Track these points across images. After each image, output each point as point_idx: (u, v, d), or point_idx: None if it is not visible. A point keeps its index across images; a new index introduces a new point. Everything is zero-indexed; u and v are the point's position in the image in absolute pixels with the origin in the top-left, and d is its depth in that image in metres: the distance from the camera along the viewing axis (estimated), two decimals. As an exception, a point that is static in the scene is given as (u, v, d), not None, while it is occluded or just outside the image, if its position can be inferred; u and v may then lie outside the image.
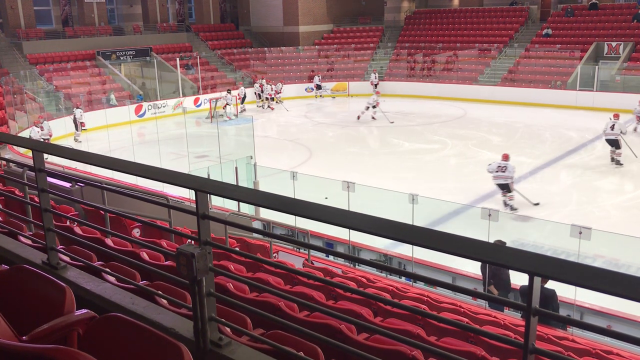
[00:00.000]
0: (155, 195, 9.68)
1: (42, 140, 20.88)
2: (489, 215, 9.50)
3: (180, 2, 39.33)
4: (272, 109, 29.21)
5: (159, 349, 2.10)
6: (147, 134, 24.22)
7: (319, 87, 32.39)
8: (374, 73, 32.25)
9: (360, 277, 7.25)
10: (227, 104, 27.22)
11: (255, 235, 9.42)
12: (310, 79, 33.16)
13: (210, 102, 27.63)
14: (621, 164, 17.22)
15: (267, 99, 29.57)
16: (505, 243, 7.59)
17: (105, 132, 21.82)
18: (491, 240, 7.42)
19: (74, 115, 23.10)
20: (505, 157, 13.94)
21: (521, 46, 31.97)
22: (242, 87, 30.02)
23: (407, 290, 7.19)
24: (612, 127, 17.31)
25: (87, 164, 3.58)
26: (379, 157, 19.67)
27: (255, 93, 30.32)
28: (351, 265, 9.69)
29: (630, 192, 15.58)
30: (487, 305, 7.89)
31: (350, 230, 4.90)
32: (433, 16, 37.43)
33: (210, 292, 2.62)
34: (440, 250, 2.02)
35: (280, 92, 30.13)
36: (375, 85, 31.34)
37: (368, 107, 25.04)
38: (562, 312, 8.20)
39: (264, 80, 30.48)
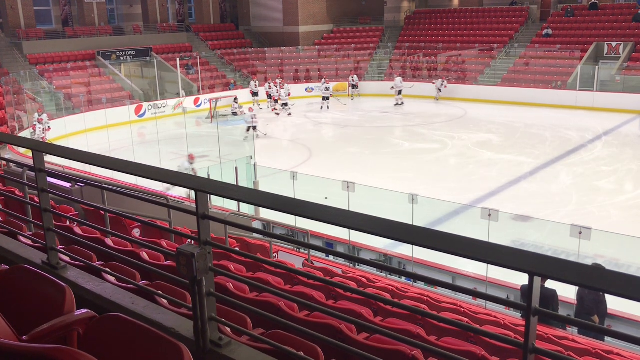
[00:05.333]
0: (155, 195, 9.68)
1: (42, 129, 20.99)
2: (489, 215, 9.50)
3: (180, 2, 39.33)
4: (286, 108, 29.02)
5: (159, 348, 2.10)
6: (147, 134, 24.22)
7: (269, 96, 30.11)
8: (398, 76, 30.86)
9: (360, 277, 7.24)
10: (235, 114, 26.93)
11: (255, 235, 9.42)
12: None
13: (210, 102, 27.62)
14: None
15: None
16: (603, 267, 7.18)
17: (105, 132, 21.82)
18: (491, 240, 7.39)
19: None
20: (250, 109, 24.02)
21: (521, 46, 31.97)
22: (284, 85, 29.33)
23: (407, 290, 7.19)
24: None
25: (87, 164, 3.58)
26: (379, 157, 19.67)
27: (266, 93, 30.17)
28: (351, 265, 9.69)
29: (630, 192, 15.59)
30: (578, 332, 7.23)
31: (350, 230, 4.90)
32: (433, 16, 37.43)
33: (210, 292, 2.62)
34: (440, 250, 2.02)
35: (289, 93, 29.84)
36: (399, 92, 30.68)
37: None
38: (562, 312, 8.19)
39: (279, 80, 30.10)
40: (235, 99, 28.04)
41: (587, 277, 1.78)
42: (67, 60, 29.69)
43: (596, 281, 1.77)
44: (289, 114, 27.83)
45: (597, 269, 1.96)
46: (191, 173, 14.45)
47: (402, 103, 29.29)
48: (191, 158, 15.88)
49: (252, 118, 22.96)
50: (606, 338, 7.04)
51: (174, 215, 7.77)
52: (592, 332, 7.04)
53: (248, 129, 22.77)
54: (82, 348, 2.22)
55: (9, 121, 21.86)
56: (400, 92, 29.22)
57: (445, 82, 30.30)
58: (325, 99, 29.30)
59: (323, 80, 30.39)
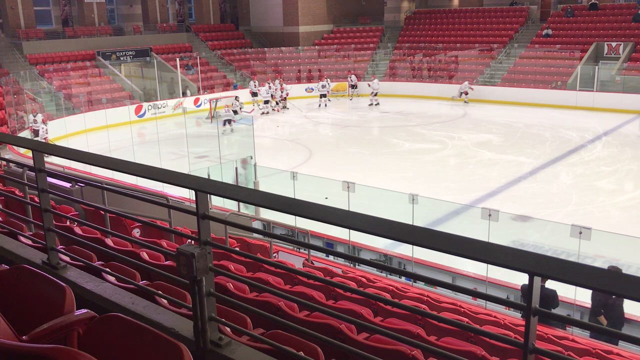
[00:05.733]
0: (155, 195, 9.68)
1: (45, 130, 21.03)
2: (489, 215, 9.49)
3: (180, 2, 39.32)
4: (287, 108, 29.06)
5: (159, 348, 2.10)
6: (147, 134, 24.22)
7: (254, 94, 29.98)
8: (375, 78, 31.23)
9: (360, 277, 7.24)
10: (235, 112, 26.99)
11: (255, 235, 9.42)
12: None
13: (210, 102, 27.62)
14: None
15: (284, 99, 29.32)
16: (620, 269, 7.16)
17: (105, 132, 21.83)
18: (491, 240, 7.39)
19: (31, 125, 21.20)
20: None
21: (521, 46, 31.97)
22: (279, 85, 29.34)
23: (407, 290, 7.19)
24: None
25: (87, 164, 3.59)
26: (379, 157, 19.67)
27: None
28: (351, 265, 9.69)
29: (630, 192, 15.58)
30: (590, 335, 7.17)
31: (350, 230, 4.90)
32: (433, 16, 37.43)
33: (210, 292, 2.62)
34: (440, 250, 2.02)
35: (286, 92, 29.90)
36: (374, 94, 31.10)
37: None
38: (562, 312, 8.19)
39: (277, 80, 30.21)
40: (237, 97, 28.13)
41: (586, 277, 1.77)
42: (67, 60, 29.68)
43: (596, 281, 1.77)
44: (267, 112, 28.01)
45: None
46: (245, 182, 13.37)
47: (378, 103, 29.69)
48: (244, 162, 14.16)
49: (226, 112, 23.88)
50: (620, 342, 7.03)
51: (174, 215, 7.78)
52: (603, 335, 6.97)
53: (224, 123, 23.55)
54: (82, 348, 2.22)
55: (9, 121, 21.86)
56: (375, 94, 29.97)
57: (468, 84, 29.54)
58: (322, 96, 29.71)
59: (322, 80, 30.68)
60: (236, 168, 14.28)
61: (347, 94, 32.49)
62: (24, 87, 25.01)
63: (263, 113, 28.02)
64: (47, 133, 21.17)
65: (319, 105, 29.58)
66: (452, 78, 31.87)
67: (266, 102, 28.28)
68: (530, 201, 14.52)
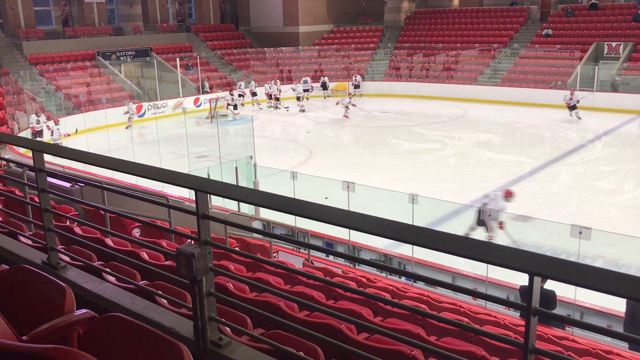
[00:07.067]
0: (155, 195, 9.68)
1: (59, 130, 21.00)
2: (489, 215, 9.50)
3: (180, 2, 39.30)
4: (283, 107, 29.17)
5: (159, 348, 2.10)
6: (147, 134, 24.21)
7: (269, 96, 30.31)
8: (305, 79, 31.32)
9: (360, 277, 7.24)
10: (228, 104, 27.16)
11: (255, 235, 9.42)
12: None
13: (210, 102, 27.63)
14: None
15: (277, 99, 29.40)
16: None
17: (105, 132, 21.82)
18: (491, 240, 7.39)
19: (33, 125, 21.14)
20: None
21: (521, 46, 31.98)
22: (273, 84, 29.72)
23: (407, 290, 7.19)
24: None
25: (87, 164, 3.59)
26: (379, 157, 19.67)
27: (265, 93, 30.21)
28: (351, 265, 9.69)
29: (630, 192, 15.58)
30: (628, 347, 6.83)
31: (350, 230, 4.90)
32: (433, 16, 37.43)
33: (210, 292, 2.62)
34: (440, 250, 2.02)
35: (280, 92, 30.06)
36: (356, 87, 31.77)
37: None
38: (562, 312, 8.18)
39: (272, 81, 30.46)
40: (231, 92, 28.19)
41: (586, 277, 1.78)
42: (67, 60, 29.68)
43: (595, 281, 1.77)
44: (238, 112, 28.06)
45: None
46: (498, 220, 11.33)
47: (303, 110, 28.39)
48: (508, 195, 11.90)
49: (129, 112, 25.39)
50: (606, 338, 7.02)
51: (174, 215, 7.78)
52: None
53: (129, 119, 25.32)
54: (82, 348, 2.22)
55: (9, 121, 21.85)
56: (299, 98, 29.28)
57: (572, 94, 24.61)
58: (304, 90, 30.15)
59: (323, 79, 30.86)
60: (236, 168, 14.25)
61: (349, 94, 32.46)
62: (24, 87, 24.99)
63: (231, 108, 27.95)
64: (60, 133, 20.93)
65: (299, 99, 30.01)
66: (452, 78, 31.89)
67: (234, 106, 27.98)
68: (530, 201, 14.51)
